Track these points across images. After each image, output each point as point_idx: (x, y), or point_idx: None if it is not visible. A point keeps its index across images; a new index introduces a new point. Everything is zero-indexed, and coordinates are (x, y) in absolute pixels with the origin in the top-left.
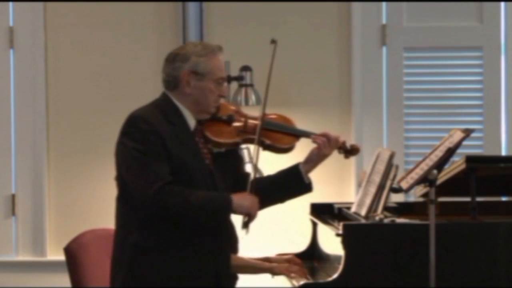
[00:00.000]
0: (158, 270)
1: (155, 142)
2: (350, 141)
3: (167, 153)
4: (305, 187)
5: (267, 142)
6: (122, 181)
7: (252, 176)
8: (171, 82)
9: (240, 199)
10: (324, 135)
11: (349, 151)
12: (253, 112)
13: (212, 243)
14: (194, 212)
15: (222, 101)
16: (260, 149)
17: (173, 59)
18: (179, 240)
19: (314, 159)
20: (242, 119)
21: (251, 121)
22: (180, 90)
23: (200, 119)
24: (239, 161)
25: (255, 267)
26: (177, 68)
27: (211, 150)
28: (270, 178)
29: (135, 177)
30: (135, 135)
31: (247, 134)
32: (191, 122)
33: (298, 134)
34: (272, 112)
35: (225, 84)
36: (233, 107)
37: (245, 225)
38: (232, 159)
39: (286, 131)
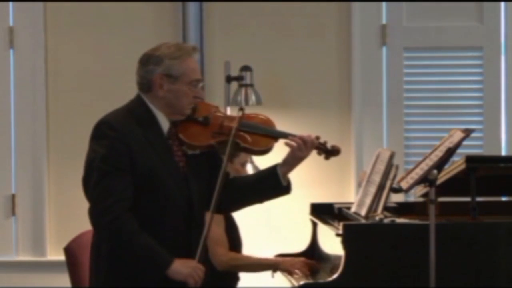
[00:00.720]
0: (133, 273)
1: (121, 150)
2: (350, 141)
3: (132, 162)
4: (283, 189)
5: (243, 144)
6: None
7: (214, 198)
8: (145, 84)
9: (181, 266)
10: (300, 138)
11: (330, 152)
12: (250, 111)
13: (185, 245)
14: (132, 251)
15: (201, 101)
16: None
17: (146, 61)
18: (150, 235)
19: (290, 161)
20: (219, 120)
21: (227, 123)
22: (153, 93)
23: (175, 121)
24: (217, 161)
25: (260, 264)
26: (150, 71)
27: (186, 152)
28: (249, 178)
29: (91, 188)
30: (101, 141)
31: (222, 136)
32: (165, 125)
33: (275, 136)
34: (272, 113)
35: (201, 85)
36: (211, 108)
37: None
38: (207, 160)
39: (263, 132)
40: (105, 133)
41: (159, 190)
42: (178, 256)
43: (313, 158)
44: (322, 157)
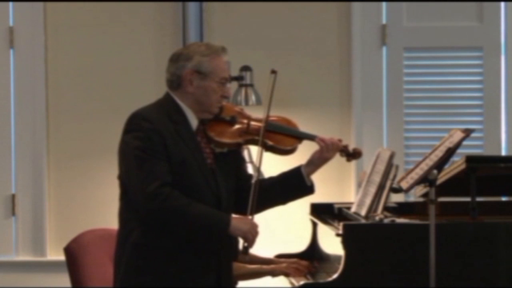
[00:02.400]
0: (158, 269)
1: (156, 141)
2: (350, 141)
3: (167, 152)
4: (307, 189)
5: (270, 143)
6: (123, 180)
7: (251, 198)
8: (175, 81)
9: (239, 222)
10: (329, 139)
11: (352, 155)
12: (254, 113)
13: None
14: (190, 221)
15: (225, 102)
16: (263, 150)
17: (177, 59)
18: (180, 238)
19: (316, 162)
20: (245, 120)
21: (254, 123)
22: (183, 89)
23: (203, 119)
24: (241, 161)
25: (256, 272)
26: (180, 67)
27: (214, 150)
28: (272, 179)
29: (133, 176)
30: (136, 133)
31: (249, 135)
32: (193, 122)
33: (300, 137)
34: (274, 113)
35: (229, 85)
36: (236, 109)
37: (245, 250)
38: (234, 159)
39: (289, 133)
40: (140, 125)
41: (189, 183)
42: (205, 253)
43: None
44: (337, 161)
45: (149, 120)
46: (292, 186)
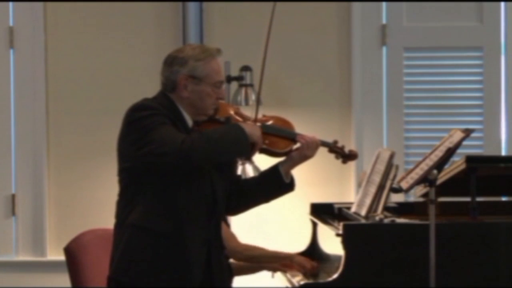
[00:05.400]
0: (151, 250)
1: (164, 118)
2: (350, 142)
3: None
4: (286, 187)
5: (263, 146)
6: (124, 175)
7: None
8: (169, 85)
9: (251, 128)
10: (307, 137)
11: (347, 156)
12: (253, 111)
13: (205, 231)
14: (217, 147)
15: (221, 101)
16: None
17: (171, 63)
18: (175, 224)
19: (294, 159)
20: (239, 121)
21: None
22: (177, 93)
23: (197, 120)
24: (233, 164)
25: (273, 255)
26: (174, 72)
27: None
28: (253, 179)
29: (158, 139)
30: (143, 119)
31: None
32: (189, 122)
33: (295, 138)
34: (273, 113)
35: (223, 86)
36: (231, 109)
37: (248, 155)
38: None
39: (283, 134)
40: (144, 112)
41: (186, 183)
42: (197, 247)
43: (312, 159)
44: (337, 161)
45: (151, 107)
46: (271, 184)
